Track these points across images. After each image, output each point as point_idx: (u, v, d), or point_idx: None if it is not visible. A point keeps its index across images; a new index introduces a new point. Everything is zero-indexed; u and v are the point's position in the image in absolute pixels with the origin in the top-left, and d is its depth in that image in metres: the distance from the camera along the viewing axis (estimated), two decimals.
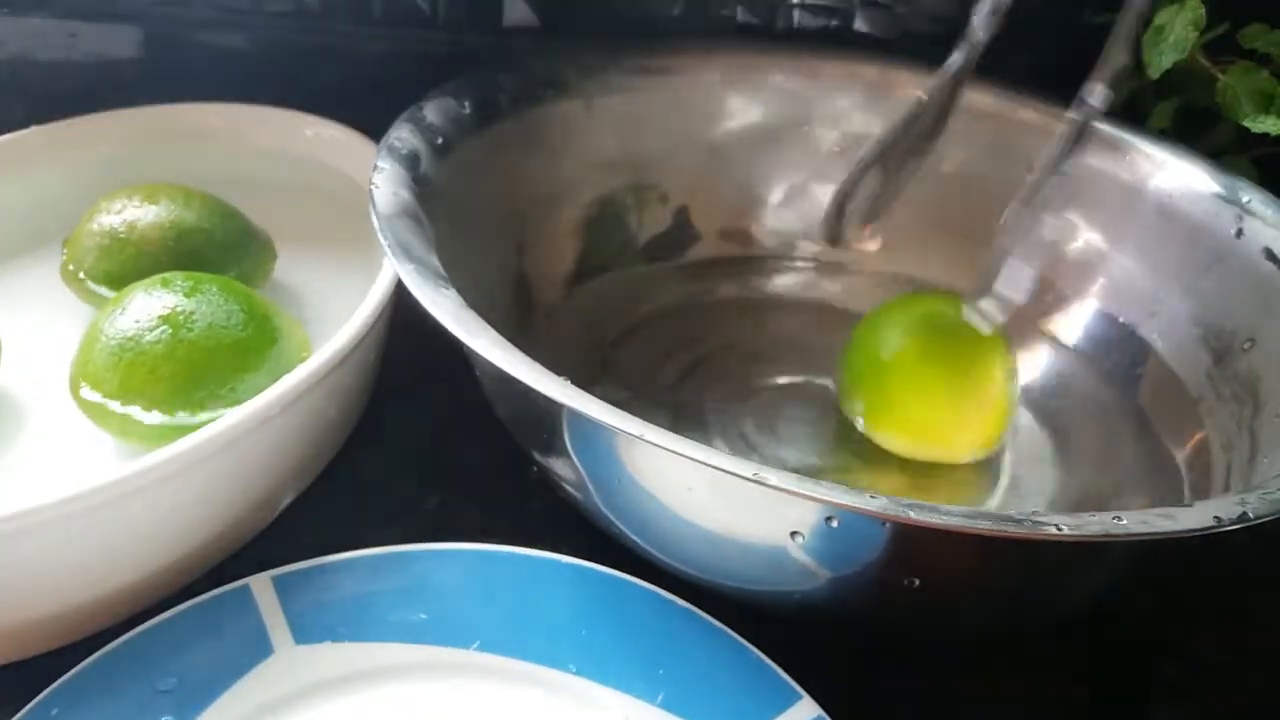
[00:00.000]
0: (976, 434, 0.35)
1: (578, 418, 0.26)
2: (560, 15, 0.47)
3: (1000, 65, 0.35)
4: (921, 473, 0.36)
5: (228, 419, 0.28)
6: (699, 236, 0.45)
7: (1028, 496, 0.36)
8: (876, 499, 0.23)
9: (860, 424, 0.36)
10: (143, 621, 0.28)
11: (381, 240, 0.30)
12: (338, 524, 0.34)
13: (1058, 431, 0.38)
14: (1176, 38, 0.35)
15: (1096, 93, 0.32)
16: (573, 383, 0.25)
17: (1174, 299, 0.37)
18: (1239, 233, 0.35)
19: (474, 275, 0.33)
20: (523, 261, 0.40)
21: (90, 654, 0.27)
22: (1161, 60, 0.36)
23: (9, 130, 0.43)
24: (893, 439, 0.36)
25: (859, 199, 0.36)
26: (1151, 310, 0.37)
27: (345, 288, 0.39)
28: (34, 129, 0.43)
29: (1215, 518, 0.23)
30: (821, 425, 0.37)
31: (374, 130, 0.36)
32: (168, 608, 0.29)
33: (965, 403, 0.35)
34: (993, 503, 0.35)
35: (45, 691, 0.26)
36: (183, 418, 0.31)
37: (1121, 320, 0.38)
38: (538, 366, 0.26)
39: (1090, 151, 0.39)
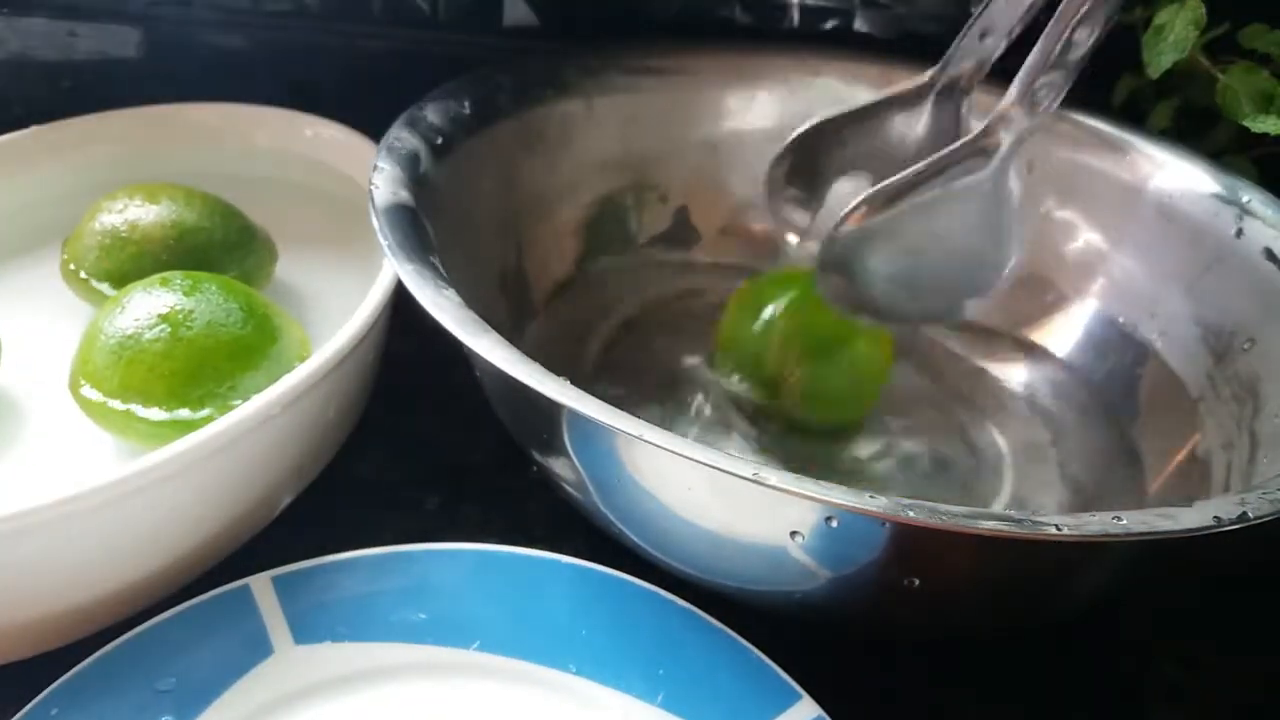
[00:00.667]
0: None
1: (578, 418, 0.26)
2: (560, 15, 0.47)
3: (1000, 65, 0.35)
4: (926, 476, 0.36)
5: (228, 419, 0.28)
6: (699, 236, 0.45)
7: (1028, 497, 0.36)
8: (876, 499, 0.23)
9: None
10: (143, 621, 0.28)
11: (381, 240, 0.30)
12: (338, 524, 0.34)
13: (1058, 432, 0.38)
14: (1176, 38, 0.35)
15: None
16: (572, 383, 0.25)
17: (1174, 299, 0.37)
18: (1239, 233, 0.35)
19: (474, 275, 0.33)
20: (523, 261, 0.40)
21: (90, 654, 0.27)
22: (1161, 60, 0.36)
23: (9, 130, 0.43)
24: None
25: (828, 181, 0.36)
26: (1151, 310, 0.37)
27: (345, 288, 0.39)
28: (34, 129, 0.43)
29: (1215, 518, 0.23)
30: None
31: (374, 130, 0.36)
32: (168, 608, 0.29)
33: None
34: (996, 504, 0.35)
35: (45, 691, 0.26)
36: (182, 416, 0.31)
37: (1121, 320, 0.38)
38: (538, 366, 0.26)
39: (1090, 151, 0.39)
